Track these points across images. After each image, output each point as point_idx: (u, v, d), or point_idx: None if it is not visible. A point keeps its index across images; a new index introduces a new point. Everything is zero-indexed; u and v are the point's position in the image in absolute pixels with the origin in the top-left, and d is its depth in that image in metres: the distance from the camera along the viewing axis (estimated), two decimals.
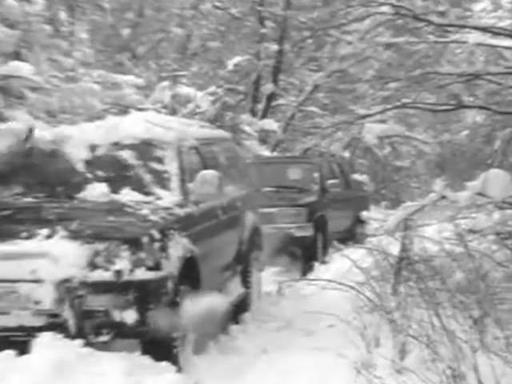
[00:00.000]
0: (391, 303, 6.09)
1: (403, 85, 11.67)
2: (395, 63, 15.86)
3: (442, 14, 10.25)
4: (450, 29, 10.12)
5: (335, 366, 5.22)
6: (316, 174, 12.69)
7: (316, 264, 10.98)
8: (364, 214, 12.15)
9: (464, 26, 9.79)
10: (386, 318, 5.81)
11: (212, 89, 16.66)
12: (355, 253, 7.72)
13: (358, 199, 14.67)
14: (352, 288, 6.77)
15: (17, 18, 12.07)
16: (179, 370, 5.38)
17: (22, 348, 4.99)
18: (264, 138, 17.61)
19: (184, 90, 15.94)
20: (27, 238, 5.43)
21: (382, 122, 19.87)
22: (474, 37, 9.41)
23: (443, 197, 5.08)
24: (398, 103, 10.05)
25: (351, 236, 13.17)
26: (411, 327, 5.34)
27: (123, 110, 12.68)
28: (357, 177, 15.67)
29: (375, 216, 12.06)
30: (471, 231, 5.99)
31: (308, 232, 11.39)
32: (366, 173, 18.71)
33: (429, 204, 5.22)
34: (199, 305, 5.38)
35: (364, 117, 11.55)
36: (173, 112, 14.61)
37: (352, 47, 15.82)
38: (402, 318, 5.61)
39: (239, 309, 7.50)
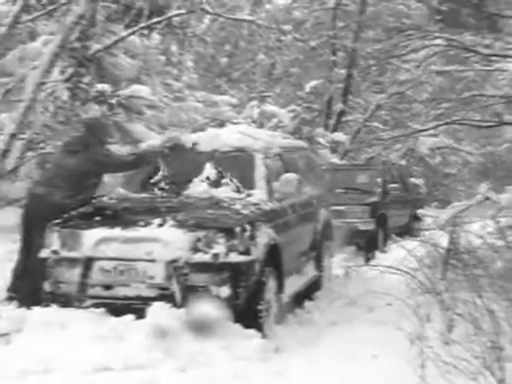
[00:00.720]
0: (440, 286, 5.98)
1: (452, 105, 11.46)
2: (446, 87, 15.56)
3: (487, 46, 10.02)
4: (493, 58, 9.89)
5: (393, 337, 5.14)
6: (379, 179, 12.69)
7: (376, 253, 10.89)
8: (419, 211, 12.01)
9: (507, 56, 9.55)
10: (436, 299, 5.71)
11: (292, 107, 16.65)
12: (410, 244, 7.60)
13: (415, 200, 14.54)
14: (407, 273, 6.66)
15: (138, 51, 12.32)
16: (263, 337, 5.37)
17: (140, 313, 5.07)
18: (334, 148, 17.50)
19: (269, 107, 15.95)
20: (144, 225, 5.52)
21: (434, 135, 19.54)
22: None
23: (487, 198, 4.98)
24: (449, 120, 9.88)
25: (408, 230, 13.04)
26: (457, 307, 5.24)
27: (220, 123, 12.77)
28: (414, 180, 15.45)
29: (429, 213, 11.87)
30: (511, 227, 5.84)
31: (371, 226, 11.39)
32: (419, 178, 18.39)
33: (475, 204, 5.12)
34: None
35: (420, 131, 11.40)
36: (260, 126, 14.64)
37: (410, 74, 15.63)
38: (450, 299, 5.51)
39: (313, 288, 7.45)
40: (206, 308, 5.08)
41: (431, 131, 15.70)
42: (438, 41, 10.46)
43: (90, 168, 6.23)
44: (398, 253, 7.74)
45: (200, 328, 4.94)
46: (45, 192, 6.22)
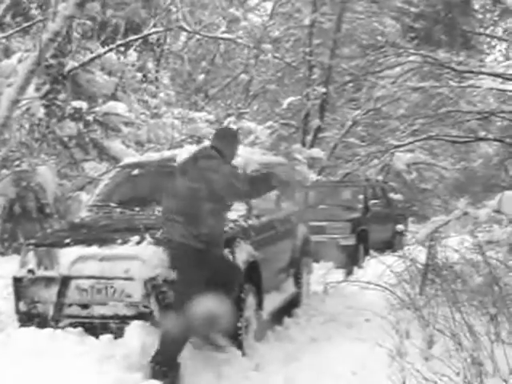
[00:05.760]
0: (419, 302, 5.98)
1: (428, 121, 11.57)
2: (421, 103, 15.70)
3: (460, 63, 10.16)
4: (467, 75, 10.02)
5: (373, 354, 5.12)
6: (361, 196, 12.95)
7: (355, 268, 10.91)
8: (399, 227, 12.13)
9: (481, 73, 9.68)
10: (415, 314, 5.71)
11: (269, 123, 16.68)
12: (388, 260, 7.61)
13: (397, 216, 14.65)
14: (386, 289, 6.68)
15: (114, 68, 12.29)
16: (243, 355, 5.35)
17: (118, 333, 5.01)
18: (312, 164, 17.55)
19: (246, 124, 15.96)
20: (122, 243, 5.44)
21: (410, 151, 19.68)
22: (486, 83, 9.33)
23: (465, 213, 5.00)
24: (425, 136, 9.98)
25: (391, 246, 13.13)
26: (437, 322, 5.24)
27: (198, 140, 12.74)
28: (393, 196, 15.57)
29: (410, 229, 11.94)
30: (489, 242, 5.87)
31: (351, 242, 11.50)
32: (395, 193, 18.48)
33: (454, 219, 5.14)
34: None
35: (396, 146, 11.50)
36: None
37: (385, 90, 15.76)
38: (429, 315, 5.51)
39: (292, 305, 7.42)
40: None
41: (407, 147, 15.85)
42: (413, 57, 10.57)
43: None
44: (376, 268, 7.75)
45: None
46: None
